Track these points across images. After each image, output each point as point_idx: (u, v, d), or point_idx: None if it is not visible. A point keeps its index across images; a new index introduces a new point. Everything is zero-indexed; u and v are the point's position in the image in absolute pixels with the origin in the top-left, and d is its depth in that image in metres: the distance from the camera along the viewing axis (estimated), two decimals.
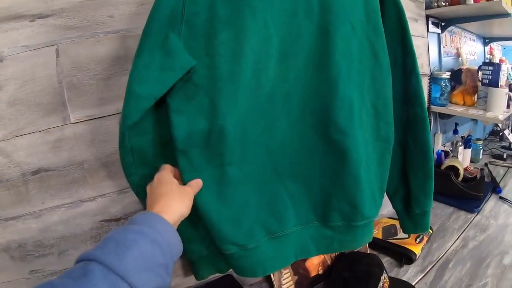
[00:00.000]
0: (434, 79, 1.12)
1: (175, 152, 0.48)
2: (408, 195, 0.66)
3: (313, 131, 0.55)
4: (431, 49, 1.14)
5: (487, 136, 1.83)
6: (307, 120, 0.55)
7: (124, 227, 0.35)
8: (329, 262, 0.77)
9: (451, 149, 1.23)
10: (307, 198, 0.57)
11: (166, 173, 0.46)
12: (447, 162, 1.11)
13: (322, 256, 0.76)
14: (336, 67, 0.53)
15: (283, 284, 0.71)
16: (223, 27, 0.47)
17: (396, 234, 0.87)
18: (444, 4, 1.05)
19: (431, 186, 0.65)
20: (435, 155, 1.18)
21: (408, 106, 0.62)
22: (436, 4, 1.06)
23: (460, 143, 1.23)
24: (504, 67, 1.60)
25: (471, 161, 1.36)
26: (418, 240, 0.84)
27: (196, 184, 0.48)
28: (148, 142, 0.49)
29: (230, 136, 0.49)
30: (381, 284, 0.65)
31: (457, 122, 1.25)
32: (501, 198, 1.09)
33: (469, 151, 1.27)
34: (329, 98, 0.54)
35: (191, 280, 0.70)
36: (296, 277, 0.72)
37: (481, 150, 1.41)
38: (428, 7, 1.08)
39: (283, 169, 0.55)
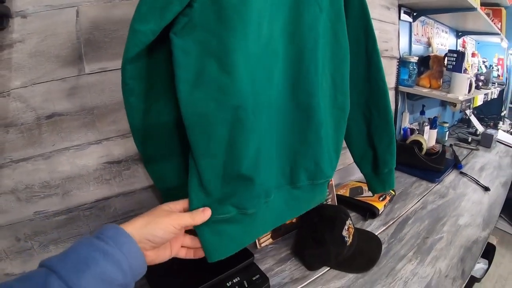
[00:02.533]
0: (403, 62, 1.32)
1: (178, 97, 0.49)
2: (375, 157, 0.79)
3: (287, 92, 0.62)
4: (402, 36, 1.34)
5: (456, 122, 2.09)
6: (284, 81, 0.61)
7: (91, 240, 0.37)
8: None
9: (418, 128, 1.44)
10: (281, 161, 0.63)
11: (170, 202, 0.49)
12: (412, 137, 1.32)
13: None
14: (303, 38, 0.61)
15: None
16: None
17: (362, 193, 1.05)
18: None
19: (394, 146, 0.78)
20: (401, 131, 1.39)
21: (371, 79, 0.74)
22: None
23: (426, 124, 1.44)
24: (475, 60, 1.84)
25: (438, 142, 1.59)
26: (381, 198, 1.02)
27: (202, 213, 0.49)
28: (149, 86, 0.53)
29: (243, 79, 0.50)
30: (346, 227, 0.81)
31: (424, 104, 1.46)
32: (461, 173, 1.31)
33: (435, 131, 1.49)
34: (299, 62, 0.61)
35: None
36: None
37: (447, 132, 1.65)
38: None
39: (272, 128, 0.59)
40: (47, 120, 0.66)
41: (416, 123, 1.48)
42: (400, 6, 1.28)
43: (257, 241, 0.84)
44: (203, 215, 0.49)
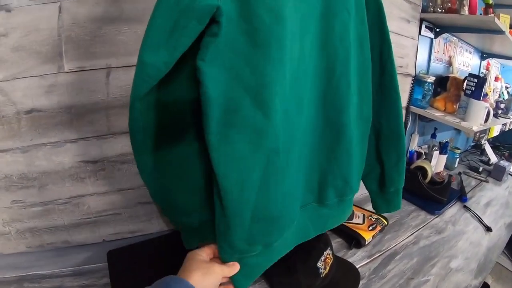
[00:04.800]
0: (418, 81, 1.22)
1: (207, 140, 0.43)
2: (382, 174, 0.73)
3: (316, 110, 0.58)
4: (421, 53, 1.23)
5: (469, 148, 1.93)
6: (316, 98, 0.57)
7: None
8: None
9: (426, 151, 1.33)
10: (305, 179, 0.59)
11: (198, 251, 0.52)
12: (418, 163, 1.22)
13: None
14: (334, 50, 0.57)
15: None
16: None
17: (352, 219, 0.98)
18: (440, 10, 1.13)
19: (404, 165, 0.72)
20: (408, 154, 1.29)
21: (383, 88, 0.69)
22: (432, 9, 1.14)
23: (436, 148, 1.33)
24: (498, 84, 1.69)
25: (446, 168, 1.47)
26: (370, 227, 0.95)
27: (233, 267, 0.51)
28: (159, 118, 0.48)
29: (277, 114, 0.45)
30: (322, 258, 0.75)
31: (436, 127, 1.35)
32: (465, 207, 1.20)
33: (444, 157, 1.37)
34: (330, 77, 0.58)
35: (155, 226, 0.82)
36: None
37: (458, 159, 1.52)
38: (424, 10, 1.16)
39: (303, 155, 0.56)
40: (26, 115, 0.65)
41: (426, 146, 1.37)
42: (422, 20, 1.17)
43: None
44: (235, 268, 0.52)
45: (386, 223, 1.00)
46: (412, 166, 1.22)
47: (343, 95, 0.59)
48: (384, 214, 1.04)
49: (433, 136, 1.36)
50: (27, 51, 0.62)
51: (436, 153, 1.32)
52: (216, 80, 0.41)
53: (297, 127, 0.53)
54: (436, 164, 1.35)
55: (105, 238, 0.79)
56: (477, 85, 1.12)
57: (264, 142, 0.45)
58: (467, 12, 1.09)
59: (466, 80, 1.18)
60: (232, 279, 0.53)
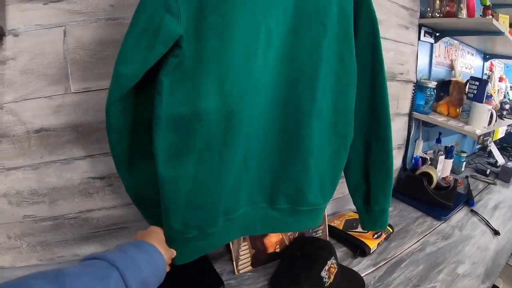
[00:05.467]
0: (419, 87, 1.21)
1: (155, 133, 0.52)
2: (368, 193, 0.73)
3: (277, 121, 0.61)
4: (422, 58, 1.22)
5: (476, 150, 1.90)
6: (274, 110, 0.60)
7: (139, 246, 0.47)
8: (287, 242, 0.88)
9: (432, 157, 1.31)
10: (259, 181, 0.63)
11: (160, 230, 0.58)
12: (423, 168, 1.21)
13: (280, 236, 0.87)
14: (300, 64, 0.58)
15: (241, 255, 0.82)
16: (212, 10, 0.49)
17: (357, 228, 0.97)
18: (438, 15, 1.12)
19: (390, 185, 0.71)
20: (412, 161, 1.28)
21: (373, 105, 0.68)
22: (430, 14, 1.14)
23: (442, 152, 1.31)
24: (502, 85, 1.66)
25: (453, 172, 1.45)
26: (375, 236, 0.94)
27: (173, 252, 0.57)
28: (131, 121, 0.55)
29: (212, 121, 0.52)
30: (326, 267, 0.74)
31: (440, 132, 1.33)
32: (472, 211, 1.18)
33: (450, 161, 1.36)
34: (293, 91, 0.60)
35: None
36: (253, 251, 0.83)
37: (464, 163, 1.50)
38: (422, 16, 1.16)
39: (250, 154, 0.60)
40: (36, 134, 0.68)
41: (431, 151, 1.35)
42: (420, 26, 1.16)
43: (235, 267, 0.81)
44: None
45: (391, 230, 0.99)
46: (417, 172, 1.21)
47: (305, 109, 0.60)
48: (389, 222, 1.04)
49: (438, 141, 1.35)
50: (35, 73, 0.65)
51: (441, 158, 1.31)
52: (170, 92, 0.51)
53: (243, 132, 0.56)
54: (442, 169, 1.33)
55: None
56: (479, 87, 1.11)
57: (195, 143, 0.53)
58: (465, 15, 1.08)
59: (468, 83, 1.17)
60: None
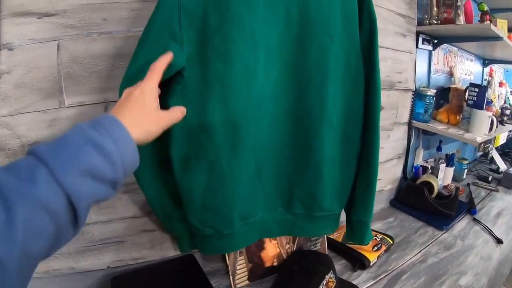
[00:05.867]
0: (419, 95, 1.20)
1: (171, 144, 0.57)
2: (350, 200, 0.73)
3: (288, 131, 0.63)
4: (420, 66, 1.21)
5: (478, 157, 1.87)
6: (285, 120, 0.63)
7: (84, 130, 0.33)
8: (284, 256, 0.86)
9: (433, 165, 1.29)
10: (276, 188, 0.67)
11: (151, 91, 0.43)
12: (423, 178, 1.19)
13: (278, 249, 0.85)
14: (309, 75, 0.60)
15: (237, 269, 0.80)
16: (214, 34, 0.54)
17: None
18: (436, 22, 1.11)
19: (371, 197, 0.70)
20: (413, 170, 1.26)
21: (365, 114, 0.68)
22: (427, 21, 1.13)
23: (443, 160, 1.29)
24: (503, 90, 1.64)
25: (455, 180, 1.43)
26: (375, 248, 0.91)
27: (180, 112, 0.47)
28: None
29: (219, 135, 0.56)
30: (324, 282, 0.73)
31: (441, 140, 1.32)
32: (474, 219, 1.16)
33: (451, 169, 1.34)
34: (302, 103, 0.62)
35: (158, 253, 0.82)
36: (250, 265, 0.81)
37: (466, 170, 1.48)
38: (420, 23, 1.15)
39: (262, 163, 0.63)
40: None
41: (432, 160, 1.33)
42: (418, 33, 1.16)
43: (231, 281, 0.79)
44: (178, 115, 0.47)
45: (391, 242, 0.97)
46: (418, 182, 1.19)
47: (315, 118, 0.62)
48: (389, 233, 1.02)
49: (439, 149, 1.33)
50: (29, 87, 0.64)
51: (442, 166, 1.29)
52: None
53: (249, 143, 0.59)
54: (444, 177, 1.31)
55: (110, 265, 0.79)
56: (478, 94, 1.10)
57: (205, 155, 0.58)
58: (463, 21, 1.07)
59: (467, 90, 1.15)
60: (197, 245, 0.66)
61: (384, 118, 1.15)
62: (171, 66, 0.50)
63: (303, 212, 0.68)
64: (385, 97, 1.11)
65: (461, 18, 1.03)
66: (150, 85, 0.44)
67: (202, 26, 0.54)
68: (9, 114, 0.64)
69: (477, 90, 1.10)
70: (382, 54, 1.03)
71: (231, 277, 0.79)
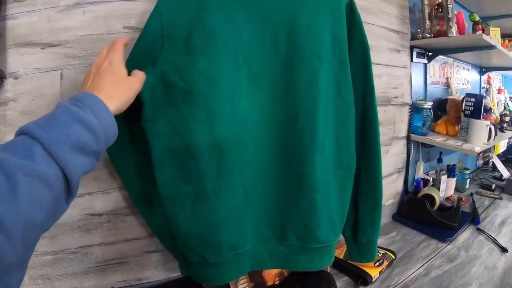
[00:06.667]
0: (416, 108, 1.21)
1: (155, 168, 0.57)
2: (356, 224, 0.71)
3: (278, 157, 0.61)
4: (416, 79, 1.23)
5: (480, 165, 1.86)
6: (273, 146, 0.60)
7: (69, 108, 0.36)
8: (286, 274, 0.85)
9: (435, 177, 1.29)
10: (267, 216, 0.63)
11: (118, 61, 0.47)
12: (424, 191, 1.18)
13: (279, 268, 0.82)
14: (299, 100, 0.59)
15: None
16: (199, 55, 0.54)
17: None
18: (429, 35, 1.13)
19: (379, 216, 0.70)
20: (414, 183, 1.26)
21: (364, 136, 0.68)
22: (421, 35, 1.15)
23: (444, 172, 1.29)
24: (502, 97, 1.65)
25: (458, 190, 1.42)
26: (377, 263, 0.90)
27: (142, 76, 0.50)
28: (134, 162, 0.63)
29: (204, 157, 0.55)
30: None
31: (441, 151, 1.32)
32: (478, 229, 1.15)
33: (453, 180, 1.33)
34: (292, 128, 0.60)
35: (161, 273, 0.82)
36: (252, 284, 0.80)
37: (468, 179, 1.47)
38: (413, 37, 1.17)
39: (250, 189, 0.60)
40: None
41: (433, 172, 1.33)
42: (412, 48, 1.17)
43: None
44: (142, 78, 0.50)
45: (393, 257, 0.96)
46: (419, 195, 1.19)
47: (306, 145, 0.60)
48: (392, 248, 1.01)
49: (439, 160, 1.33)
50: (34, 114, 0.66)
51: (444, 177, 1.29)
52: (160, 133, 0.56)
53: (235, 168, 0.58)
54: (446, 188, 1.31)
55: (114, 285, 0.79)
56: (475, 104, 1.10)
57: (189, 178, 0.56)
58: (455, 33, 1.08)
59: (464, 101, 1.16)
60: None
61: (382, 134, 1.13)
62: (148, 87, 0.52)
63: (298, 244, 0.64)
64: (382, 113, 1.12)
65: (453, 30, 1.05)
66: (117, 55, 0.48)
67: (185, 48, 0.54)
68: None
69: (473, 100, 1.11)
70: (376, 70, 1.06)
71: None
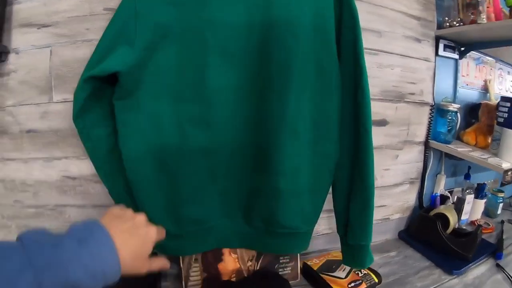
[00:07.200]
0: (439, 110, 1.03)
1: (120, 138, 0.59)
2: (346, 224, 0.66)
3: (248, 139, 0.60)
4: (443, 77, 1.05)
5: None
6: (244, 128, 0.60)
7: (74, 246, 0.34)
8: (245, 274, 0.81)
9: (460, 196, 1.07)
10: (236, 196, 0.63)
11: (153, 240, 0.45)
12: (439, 209, 1.00)
13: (238, 265, 0.81)
14: (270, 81, 0.57)
15: (191, 276, 0.79)
16: (167, 38, 0.54)
17: (333, 271, 0.83)
18: (457, 24, 0.95)
19: (368, 219, 0.63)
20: (429, 198, 1.07)
21: (354, 125, 0.62)
22: (448, 24, 0.97)
23: (471, 191, 1.06)
24: None
25: (487, 215, 1.15)
26: (352, 284, 0.79)
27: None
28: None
29: (169, 134, 0.57)
30: None
31: (470, 166, 1.09)
32: (497, 265, 0.92)
33: (482, 202, 1.09)
34: (263, 109, 0.58)
35: None
36: (205, 274, 0.79)
37: (501, 204, 1.17)
38: (440, 27, 1.00)
39: (217, 169, 0.61)
40: (27, 134, 0.81)
41: (459, 189, 1.11)
42: (438, 39, 1.00)
43: (184, 283, 0.78)
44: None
45: (376, 280, 0.82)
46: (432, 213, 1.01)
47: (275, 127, 0.58)
48: (385, 269, 0.89)
49: (467, 177, 1.10)
50: (29, 84, 0.78)
51: (470, 197, 1.06)
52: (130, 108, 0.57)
53: (206, 146, 0.58)
54: (471, 211, 1.08)
55: None
56: (510, 110, 0.88)
57: (154, 151, 0.57)
58: (485, 20, 0.89)
59: (498, 106, 0.94)
60: None
61: (391, 135, 1.02)
62: (122, 62, 0.54)
63: (263, 226, 0.64)
64: (391, 110, 0.99)
65: (484, 17, 0.86)
66: (154, 235, 0.45)
67: (154, 27, 0.54)
68: (13, 105, 0.79)
69: (508, 105, 0.89)
70: (388, 60, 0.96)
71: (183, 282, 0.78)
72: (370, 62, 0.92)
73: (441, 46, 1.01)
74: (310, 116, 0.60)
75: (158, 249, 0.62)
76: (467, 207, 1.06)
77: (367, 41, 0.89)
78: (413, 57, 1.00)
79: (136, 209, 0.56)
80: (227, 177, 0.62)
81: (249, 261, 0.82)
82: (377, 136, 0.98)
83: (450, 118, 1.01)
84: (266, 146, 0.59)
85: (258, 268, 0.82)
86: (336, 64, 0.59)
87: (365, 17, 0.90)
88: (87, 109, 0.58)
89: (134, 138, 0.58)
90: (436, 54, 1.01)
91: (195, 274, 0.79)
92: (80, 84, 0.55)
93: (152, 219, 0.56)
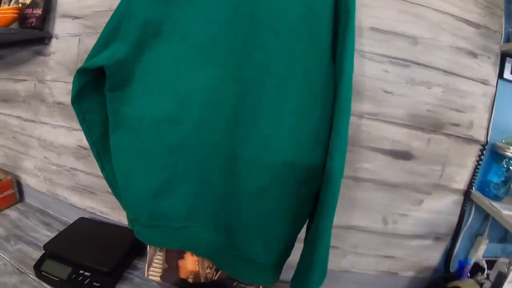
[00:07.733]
0: (494, 154, 0.76)
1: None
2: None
3: (218, 144, 0.57)
4: (508, 109, 0.76)
5: None
6: (217, 131, 0.57)
7: None
8: (202, 279, 0.80)
9: (502, 271, 0.77)
10: (210, 203, 0.60)
11: None
12: (460, 282, 0.75)
13: (196, 268, 0.80)
14: (247, 84, 0.53)
15: (154, 262, 0.82)
16: (153, 34, 0.55)
17: None
18: None
19: (318, 258, 0.53)
20: (457, 263, 0.81)
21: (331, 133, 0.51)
22: None
23: None
24: None
25: None
26: None
27: None
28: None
29: (144, 129, 0.58)
30: None
31: None
32: None
33: None
34: (238, 112, 0.54)
35: (116, 216, 0.98)
36: (166, 265, 0.81)
37: None
38: (508, 40, 0.72)
39: (189, 169, 0.59)
40: (57, 105, 0.99)
41: (504, 260, 0.80)
42: (504, 56, 0.72)
43: (146, 270, 0.82)
44: None
45: None
46: (450, 285, 0.77)
47: (244, 140, 0.53)
48: None
49: None
50: (62, 65, 0.95)
51: None
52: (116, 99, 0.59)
53: (174, 147, 0.57)
54: None
55: (86, 208, 1.02)
56: None
57: (132, 143, 0.58)
58: None
59: None
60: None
61: (416, 173, 0.80)
62: (113, 58, 0.56)
63: (225, 242, 0.60)
64: (421, 142, 0.78)
65: None
66: None
67: (143, 24, 0.55)
68: (51, 80, 0.97)
69: None
70: (423, 75, 0.78)
71: (146, 265, 0.82)
72: (396, 75, 0.74)
73: (508, 66, 0.73)
74: (290, 130, 0.52)
75: (134, 233, 0.66)
76: (507, 286, 0.76)
77: (395, 47, 0.74)
78: (463, 76, 0.76)
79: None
80: (201, 179, 0.59)
81: (208, 268, 0.80)
82: (395, 170, 0.79)
83: (506, 166, 0.73)
84: (234, 161, 0.55)
85: (216, 278, 0.79)
86: (324, 68, 0.51)
87: (395, 16, 0.73)
88: (83, 95, 0.61)
89: (120, 128, 0.60)
90: (500, 76, 0.74)
91: (158, 262, 0.82)
92: (76, 73, 0.59)
93: (129, 205, 0.63)
